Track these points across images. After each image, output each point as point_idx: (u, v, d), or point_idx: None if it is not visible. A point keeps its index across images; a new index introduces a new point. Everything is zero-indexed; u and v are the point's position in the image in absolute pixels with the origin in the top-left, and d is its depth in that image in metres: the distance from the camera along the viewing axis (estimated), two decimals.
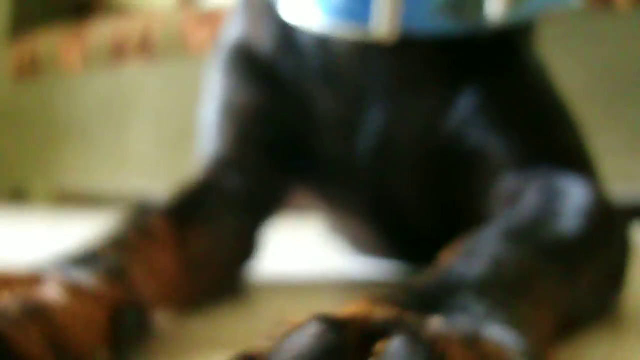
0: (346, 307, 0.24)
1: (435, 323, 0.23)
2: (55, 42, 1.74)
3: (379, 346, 0.21)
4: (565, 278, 0.34)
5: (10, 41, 1.92)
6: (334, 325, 0.22)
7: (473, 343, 0.22)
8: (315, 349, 0.21)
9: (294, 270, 0.66)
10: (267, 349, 0.21)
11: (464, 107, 0.48)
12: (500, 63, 0.48)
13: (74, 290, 0.32)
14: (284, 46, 0.52)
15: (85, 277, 0.33)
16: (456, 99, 0.48)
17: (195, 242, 0.47)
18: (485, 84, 0.48)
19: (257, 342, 0.22)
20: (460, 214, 0.49)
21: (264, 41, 0.53)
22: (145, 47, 1.52)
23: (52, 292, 0.31)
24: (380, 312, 0.24)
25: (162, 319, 0.41)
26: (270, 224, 0.57)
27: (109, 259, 0.36)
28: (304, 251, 0.83)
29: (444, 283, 0.28)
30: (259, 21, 0.53)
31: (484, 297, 0.27)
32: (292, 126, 0.53)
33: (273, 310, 0.49)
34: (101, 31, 1.62)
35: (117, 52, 1.58)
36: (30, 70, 1.83)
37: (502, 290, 0.28)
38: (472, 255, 0.31)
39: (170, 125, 1.48)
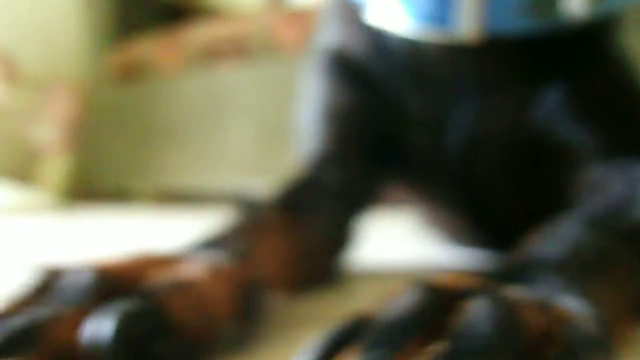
0: (439, 277, 0.28)
1: (513, 290, 0.27)
2: (153, 47, 1.81)
3: (465, 305, 0.24)
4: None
5: (111, 48, 2.02)
6: (430, 289, 0.26)
7: (545, 308, 0.25)
8: (415, 307, 0.24)
9: (388, 260, 0.67)
10: (376, 309, 0.25)
11: (550, 101, 0.48)
12: (583, 57, 0.48)
13: (211, 269, 0.35)
14: (375, 50, 0.54)
15: (219, 258, 0.37)
16: (542, 94, 0.49)
17: (300, 233, 0.49)
18: (569, 78, 0.48)
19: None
20: (546, 203, 0.50)
21: (357, 46, 0.55)
22: (239, 48, 1.57)
23: (193, 270, 0.34)
24: (467, 281, 0.27)
25: (273, 299, 0.44)
26: (366, 217, 0.59)
27: (235, 244, 0.40)
28: (398, 242, 0.84)
29: (525, 260, 0.31)
30: (351, 27, 0.55)
31: (561, 273, 0.29)
32: (385, 125, 0.55)
33: (369, 294, 0.51)
34: (196, 35, 1.68)
35: (212, 54, 1.64)
36: (130, 74, 1.92)
37: (579, 269, 0.30)
38: (553, 238, 0.33)
39: (264, 123, 1.52)
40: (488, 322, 0.23)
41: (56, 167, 2.09)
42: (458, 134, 0.52)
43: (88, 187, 2.09)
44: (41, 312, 0.28)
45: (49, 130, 2.11)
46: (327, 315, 0.43)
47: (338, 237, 0.56)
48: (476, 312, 0.24)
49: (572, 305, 0.26)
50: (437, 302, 0.25)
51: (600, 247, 0.33)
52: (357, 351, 0.23)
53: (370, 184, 0.58)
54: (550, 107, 0.48)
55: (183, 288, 0.31)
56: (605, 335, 0.26)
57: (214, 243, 0.40)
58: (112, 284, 0.31)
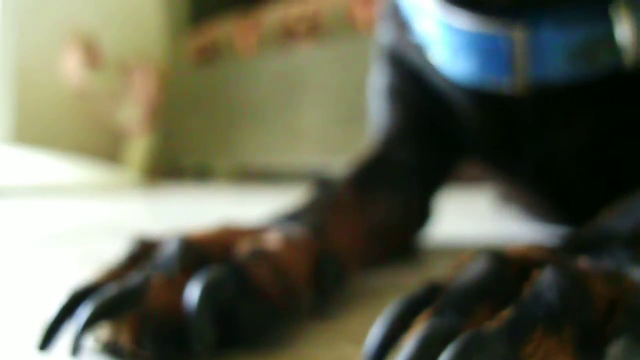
0: (510, 248, 0.29)
1: (583, 261, 0.27)
2: (231, 29, 1.85)
3: (535, 274, 0.25)
4: None
5: (191, 31, 2.07)
6: (500, 259, 0.27)
7: (614, 279, 0.26)
8: (484, 276, 0.26)
9: (465, 236, 0.68)
10: (445, 279, 0.27)
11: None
12: None
13: (289, 239, 0.37)
14: (427, 61, 0.54)
15: (296, 230, 0.39)
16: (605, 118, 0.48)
17: (373, 210, 0.50)
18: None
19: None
20: (625, 179, 0.50)
21: (410, 51, 0.56)
22: (315, 28, 1.58)
23: (273, 241, 0.36)
24: (537, 252, 0.28)
25: (350, 272, 0.46)
26: (443, 193, 0.60)
27: (311, 218, 0.42)
28: (475, 218, 0.84)
29: (597, 233, 0.31)
30: (403, 33, 0.56)
31: (632, 247, 0.30)
32: (439, 115, 0.56)
33: (445, 269, 0.52)
34: (273, 16, 1.71)
35: (289, 35, 1.66)
36: (209, 56, 1.97)
37: None
38: (627, 213, 0.33)
39: (340, 102, 1.53)
40: (554, 291, 0.24)
41: (140, 147, 2.17)
42: (527, 154, 0.52)
43: (170, 166, 2.16)
44: (134, 279, 0.30)
45: (132, 112, 2.19)
46: (404, 286, 0.45)
47: (412, 214, 0.56)
48: (543, 280, 0.24)
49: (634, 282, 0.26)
50: (506, 271, 0.26)
51: None
52: (428, 316, 0.24)
53: (444, 161, 0.59)
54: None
55: (264, 256, 0.33)
56: None
57: (291, 217, 0.42)
58: (200, 253, 0.33)
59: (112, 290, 0.29)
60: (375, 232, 0.50)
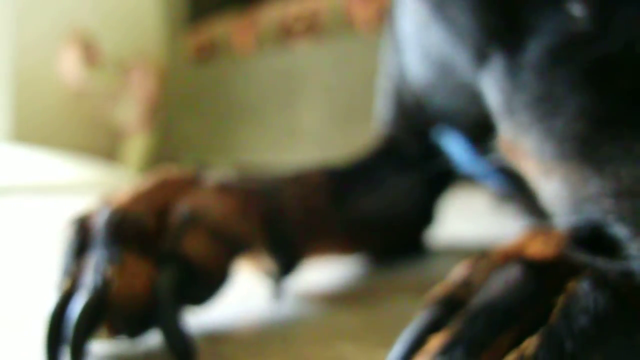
0: (541, 241, 0.26)
1: (620, 266, 0.24)
2: (229, 28, 1.85)
3: (570, 286, 0.22)
4: None
5: (189, 30, 2.07)
6: (535, 270, 0.23)
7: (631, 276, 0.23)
8: (515, 294, 0.22)
9: (469, 234, 0.68)
10: (465, 290, 0.24)
11: None
12: None
13: (226, 191, 0.37)
14: None
15: (238, 184, 0.39)
16: None
17: (360, 198, 0.49)
18: None
19: (453, 276, 0.24)
20: None
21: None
22: (313, 27, 1.59)
23: (208, 193, 0.36)
24: (574, 257, 0.25)
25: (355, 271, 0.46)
26: (449, 193, 0.59)
27: (263, 183, 0.42)
28: (474, 217, 0.84)
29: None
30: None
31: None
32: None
33: (449, 267, 0.52)
34: (271, 15, 1.71)
35: (286, 33, 1.66)
36: (208, 54, 1.97)
37: None
38: None
39: (338, 100, 1.53)
40: (591, 314, 0.21)
41: (138, 145, 2.17)
42: None
43: (168, 164, 2.16)
44: (90, 281, 0.31)
45: (130, 110, 2.19)
46: (402, 286, 0.45)
47: (415, 210, 0.55)
48: (581, 295, 0.21)
49: None
50: (542, 286, 0.23)
51: None
52: (442, 345, 0.21)
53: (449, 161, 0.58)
54: None
55: (193, 219, 0.34)
56: None
57: (242, 178, 0.41)
58: (134, 225, 0.34)
59: (78, 306, 0.30)
60: (364, 224, 0.49)
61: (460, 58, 0.39)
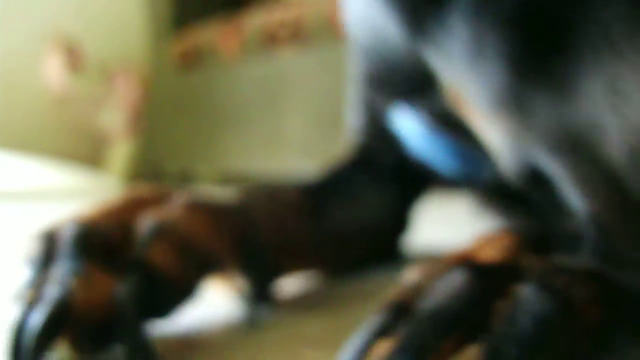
0: (492, 245, 0.26)
1: (565, 263, 0.24)
2: (214, 34, 1.85)
3: (515, 290, 0.22)
4: None
5: (173, 35, 2.07)
6: (481, 274, 0.23)
7: (598, 278, 0.23)
8: (458, 298, 0.22)
9: (442, 243, 0.68)
10: (414, 295, 0.23)
11: None
12: None
13: (196, 207, 0.37)
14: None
15: (210, 202, 0.38)
16: None
17: (334, 213, 0.49)
18: None
19: (404, 281, 0.24)
20: None
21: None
22: (297, 34, 1.59)
23: (177, 209, 0.36)
24: (524, 260, 0.25)
25: (316, 280, 0.46)
26: (424, 199, 0.59)
27: (237, 202, 0.41)
28: (452, 224, 0.85)
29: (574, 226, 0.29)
30: None
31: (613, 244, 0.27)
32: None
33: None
34: (255, 21, 1.71)
35: (271, 40, 1.66)
36: (192, 61, 1.96)
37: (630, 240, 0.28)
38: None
39: (323, 108, 1.54)
40: (536, 319, 0.21)
41: (122, 152, 2.16)
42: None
43: (152, 171, 2.16)
44: (53, 293, 0.30)
45: (114, 116, 2.18)
46: (370, 293, 0.45)
47: (390, 220, 0.55)
48: (524, 304, 0.21)
49: (623, 278, 0.24)
50: (485, 288, 0.23)
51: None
52: (387, 353, 0.21)
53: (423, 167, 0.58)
54: None
55: (161, 231, 0.34)
56: None
57: (211, 198, 0.41)
58: (100, 238, 0.34)
59: (38, 317, 0.29)
60: (340, 236, 0.49)
61: (395, 20, 0.39)
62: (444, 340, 0.21)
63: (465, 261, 0.24)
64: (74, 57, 2.15)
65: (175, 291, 0.34)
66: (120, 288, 0.31)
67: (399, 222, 0.57)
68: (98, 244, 0.33)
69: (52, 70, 2.12)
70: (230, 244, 0.38)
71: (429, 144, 0.48)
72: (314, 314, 0.39)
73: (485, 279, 0.23)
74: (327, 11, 1.50)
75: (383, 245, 0.56)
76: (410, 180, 0.57)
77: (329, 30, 1.50)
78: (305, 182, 0.50)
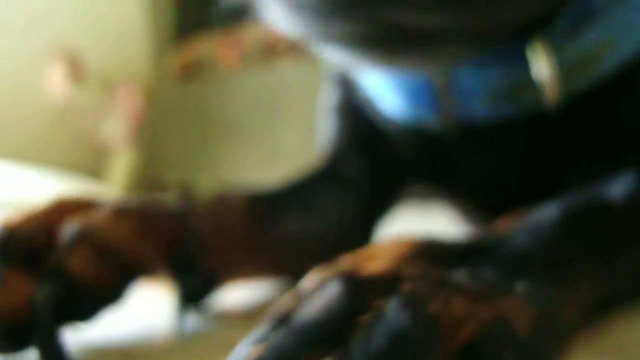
0: (381, 255, 0.25)
1: (457, 277, 0.23)
2: (213, 46, 1.86)
3: (378, 304, 0.22)
4: (606, 270, 0.34)
5: (174, 47, 2.08)
6: (354, 286, 0.23)
7: (489, 299, 0.22)
8: (328, 312, 0.22)
9: None
10: (296, 304, 0.23)
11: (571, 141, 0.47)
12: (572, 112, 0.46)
13: (123, 213, 0.37)
14: (374, 111, 0.55)
15: (139, 207, 0.39)
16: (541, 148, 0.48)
17: (286, 222, 0.49)
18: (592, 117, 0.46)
19: (297, 290, 0.24)
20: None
21: (360, 105, 0.57)
22: (296, 46, 1.60)
23: (101, 215, 0.36)
24: (410, 271, 0.24)
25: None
26: (392, 211, 0.59)
27: (173, 208, 0.42)
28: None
29: (487, 245, 0.29)
30: (352, 95, 0.57)
31: (518, 266, 0.27)
32: (386, 148, 0.56)
33: None
34: (255, 33, 1.72)
35: (271, 51, 1.67)
36: (193, 72, 1.98)
37: (538, 266, 0.28)
38: (525, 228, 0.31)
39: (319, 121, 1.54)
40: (390, 335, 0.20)
41: (123, 162, 2.16)
42: (463, 178, 0.52)
43: (153, 182, 2.16)
44: None
45: (116, 127, 2.19)
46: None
47: (353, 232, 0.55)
48: (383, 319, 0.21)
49: (515, 301, 0.24)
50: (354, 302, 0.22)
51: (566, 247, 0.31)
52: (257, 352, 0.21)
53: (391, 181, 0.58)
54: (555, 151, 0.48)
55: (83, 238, 0.34)
56: (542, 336, 0.23)
57: (150, 202, 0.41)
58: (23, 242, 0.34)
59: None
60: (294, 245, 0.49)
61: None
62: (309, 353, 0.21)
63: (345, 272, 0.23)
64: (76, 69, 2.16)
65: (95, 297, 0.34)
66: (37, 293, 0.32)
67: (361, 233, 0.56)
68: (18, 248, 0.34)
69: (55, 82, 2.14)
70: (159, 250, 0.38)
71: (381, 80, 0.49)
72: (247, 324, 0.39)
73: (358, 292, 0.22)
74: None
75: (341, 254, 0.56)
76: (378, 192, 0.58)
77: None
78: (259, 191, 0.51)
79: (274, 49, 1.66)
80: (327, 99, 0.62)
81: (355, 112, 0.58)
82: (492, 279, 0.24)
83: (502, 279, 0.25)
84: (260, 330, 0.22)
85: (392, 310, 0.21)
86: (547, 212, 0.33)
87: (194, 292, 0.40)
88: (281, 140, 1.68)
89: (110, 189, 2.08)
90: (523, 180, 0.50)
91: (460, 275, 0.24)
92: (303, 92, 1.61)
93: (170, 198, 0.44)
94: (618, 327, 0.37)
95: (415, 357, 0.20)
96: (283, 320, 0.22)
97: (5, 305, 0.31)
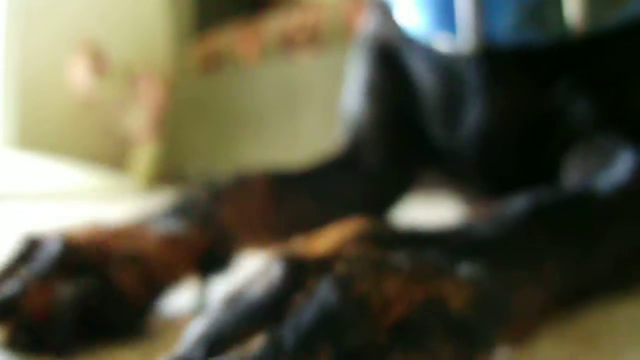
0: (326, 237, 0.26)
1: (395, 259, 0.24)
2: (233, 38, 1.88)
3: (311, 283, 0.23)
4: (580, 258, 0.34)
5: (194, 40, 2.10)
6: (295, 268, 0.24)
7: (424, 279, 0.23)
8: (267, 291, 0.23)
9: None
10: (241, 286, 0.25)
11: (564, 85, 0.48)
12: (592, 52, 0.47)
13: (163, 239, 0.41)
14: (404, 41, 0.56)
15: (178, 227, 0.42)
16: (555, 80, 0.48)
17: (299, 204, 0.52)
18: (584, 64, 0.47)
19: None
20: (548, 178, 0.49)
21: (391, 36, 0.58)
22: (314, 38, 1.61)
23: (146, 242, 0.40)
24: (350, 252, 0.25)
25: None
26: (404, 200, 0.61)
27: (202, 207, 0.45)
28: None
29: (442, 231, 0.29)
30: (387, 19, 0.58)
31: (481, 256, 0.27)
32: (410, 109, 0.57)
33: None
34: (274, 25, 1.73)
35: (288, 43, 1.69)
36: (212, 64, 1.99)
37: (501, 257, 0.28)
38: (493, 218, 0.31)
39: (338, 111, 1.55)
40: (319, 310, 0.21)
41: (145, 154, 2.19)
42: (471, 124, 0.52)
43: (175, 173, 2.19)
44: (12, 285, 0.34)
45: (138, 119, 2.21)
46: None
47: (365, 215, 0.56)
48: (314, 297, 0.22)
49: (453, 282, 0.24)
50: (292, 281, 0.23)
51: (528, 236, 0.31)
52: (201, 327, 0.23)
53: (406, 166, 0.59)
54: (563, 90, 0.48)
55: (133, 260, 0.38)
56: (479, 316, 0.24)
57: (180, 208, 0.45)
58: (77, 256, 0.37)
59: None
60: (305, 225, 0.50)
61: None
62: (243, 328, 0.22)
63: (286, 254, 0.25)
64: (99, 62, 2.19)
65: (128, 307, 0.37)
66: (71, 289, 0.35)
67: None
68: (72, 259, 0.37)
69: (78, 75, 2.17)
70: (191, 263, 0.42)
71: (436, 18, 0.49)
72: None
73: (297, 272, 0.24)
74: (344, 15, 1.53)
75: None
76: (392, 181, 0.59)
77: (346, 34, 1.52)
78: (276, 171, 0.53)
79: (293, 41, 1.68)
80: (354, 78, 0.63)
81: (384, 76, 0.58)
82: (433, 261, 0.25)
83: (443, 261, 0.25)
84: (213, 308, 0.24)
85: (323, 289, 0.22)
86: (516, 203, 0.33)
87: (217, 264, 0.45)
88: (300, 131, 1.69)
89: (132, 179, 2.11)
90: (525, 138, 0.50)
91: (399, 257, 0.24)
92: (321, 84, 1.62)
93: (196, 189, 0.47)
94: (590, 317, 0.38)
95: (342, 333, 0.20)
96: (233, 299, 0.24)
97: (37, 302, 0.34)
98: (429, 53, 0.53)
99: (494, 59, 0.49)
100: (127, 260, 0.38)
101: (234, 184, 0.49)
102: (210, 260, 0.43)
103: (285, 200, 0.51)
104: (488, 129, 0.52)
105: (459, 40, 0.48)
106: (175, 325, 0.40)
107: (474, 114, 0.52)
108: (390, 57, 0.58)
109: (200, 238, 0.43)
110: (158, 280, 0.39)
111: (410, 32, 0.53)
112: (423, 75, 0.55)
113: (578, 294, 0.36)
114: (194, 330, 0.23)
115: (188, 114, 2.15)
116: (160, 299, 0.40)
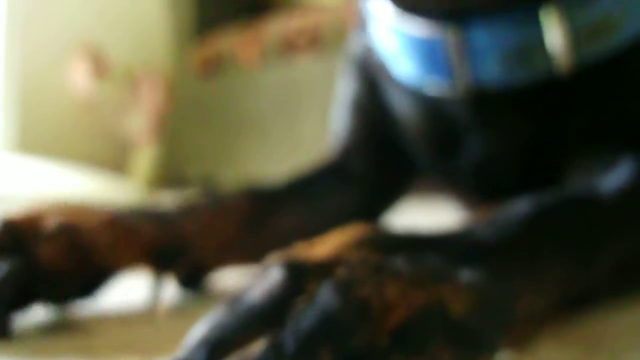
0: (327, 242, 0.26)
1: (395, 264, 0.24)
2: (234, 41, 1.88)
3: (312, 288, 0.23)
4: (582, 262, 0.34)
5: (195, 43, 2.10)
6: (295, 272, 0.24)
7: (425, 284, 0.23)
8: (267, 296, 0.23)
9: None
10: (242, 291, 0.25)
11: (554, 120, 0.47)
12: (587, 78, 0.46)
13: (111, 222, 0.41)
14: (383, 74, 0.55)
15: (132, 217, 0.43)
16: (546, 118, 0.48)
17: (285, 217, 0.52)
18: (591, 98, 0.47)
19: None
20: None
21: (372, 63, 0.57)
22: (316, 41, 1.61)
23: (92, 221, 0.41)
24: (350, 257, 0.25)
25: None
26: (395, 207, 0.61)
27: (166, 214, 0.46)
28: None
29: (443, 236, 0.29)
30: (369, 48, 0.58)
31: (482, 260, 0.27)
32: (392, 131, 0.57)
33: None
34: (273, 28, 1.74)
35: (288, 47, 1.69)
36: (213, 67, 1.99)
37: (502, 262, 0.28)
38: (495, 221, 0.31)
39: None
40: (319, 315, 0.21)
41: (145, 157, 2.19)
42: (466, 156, 0.52)
43: (175, 176, 2.19)
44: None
45: (138, 122, 2.21)
46: None
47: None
48: (315, 301, 0.22)
49: (454, 287, 0.24)
50: (293, 285, 0.23)
51: (530, 241, 0.31)
52: (203, 330, 0.23)
53: (398, 174, 0.60)
54: (560, 117, 0.48)
55: (60, 232, 0.38)
56: (481, 321, 0.24)
57: (141, 209, 0.46)
58: (14, 233, 0.38)
59: None
60: (291, 240, 0.50)
61: None
62: (244, 332, 0.22)
63: (287, 259, 0.25)
64: (99, 64, 2.19)
65: (61, 285, 0.38)
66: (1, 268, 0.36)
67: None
68: (9, 236, 0.38)
69: (78, 77, 2.17)
70: (139, 255, 0.43)
71: (396, 41, 0.49)
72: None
73: (298, 276, 0.24)
74: (345, 18, 1.53)
75: None
76: (383, 187, 0.59)
77: (347, 37, 1.52)
78: (261, 186, 0.53)
79: (294, 45, 1.68)
80: (341, 93, 0.63)
81: (369, 97, 0.59)
82: (433, 266, 0.25)
83: (444, 265, 0.25)
84: (214, 312, 0.24)
85: (324, 293, 0.22)
86: (517, 207, 0.33)
87: (185, 278, 0.46)
88: (301, 134, 1.69)
89: (133, 182, 2.11)
90: (525, 160, 0.50)
91: (399, 262, 0.24)
92: (322, 87, 1.62)
93: (188, 195, 0.48)
94: (591, 320, 0.38)
95: (343, 338, 0.21)
96: (234, 302, 0.24)
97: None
98: (411, 90, 0.53)
99: (483, 99, 0.48)
100: (54, 232, 0.38)
101: (207, 203, 0.50)
102: (164, 258, 0.43)
103: (267, 216, 0.51)
104: (484, 160, 0.51)
105: (447, 84, 0.48)
106: (122, 319, 0.41)
107: (467, 148, 0.51)
108: (372, 84, 0.58)
109: (153, 234, 0.43)
110: (97, 261, 0.40)
111: (395, 74, 0.53)
112: (403, 106, 0.55)
113: (580, 298, 0.36)
114: (195, 334, 0.23)
115: (189, 117, 2.15)
116: (105, 282, 0.40)
